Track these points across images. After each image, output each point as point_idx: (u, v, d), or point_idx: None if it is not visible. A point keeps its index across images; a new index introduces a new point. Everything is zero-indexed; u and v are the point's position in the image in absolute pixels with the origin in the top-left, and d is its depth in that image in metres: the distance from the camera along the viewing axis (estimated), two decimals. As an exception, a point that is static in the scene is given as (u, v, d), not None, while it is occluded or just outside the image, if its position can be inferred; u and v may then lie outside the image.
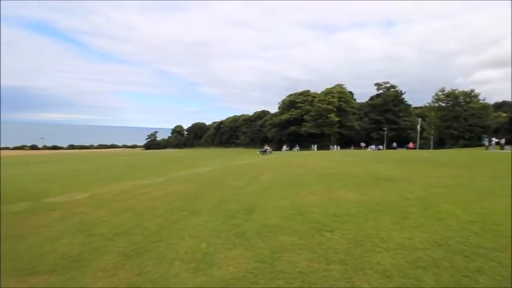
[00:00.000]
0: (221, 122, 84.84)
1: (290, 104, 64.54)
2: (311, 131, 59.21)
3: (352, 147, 54.08)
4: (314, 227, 4.29)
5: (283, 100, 68.07)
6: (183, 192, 7.75)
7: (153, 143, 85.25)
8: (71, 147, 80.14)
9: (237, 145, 75.75)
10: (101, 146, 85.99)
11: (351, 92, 68.08)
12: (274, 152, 35.18)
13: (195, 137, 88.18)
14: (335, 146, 54.76)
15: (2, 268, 3.25)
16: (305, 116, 60.76)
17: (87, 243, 4.00)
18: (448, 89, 48.60)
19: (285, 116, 63.24)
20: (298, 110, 62.22)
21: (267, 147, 33.38)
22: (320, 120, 58.80)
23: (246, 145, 72.74)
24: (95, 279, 2.89)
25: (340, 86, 66.75)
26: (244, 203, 5.99)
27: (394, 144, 47.53)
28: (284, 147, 51.03)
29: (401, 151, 34.47)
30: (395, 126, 58.93)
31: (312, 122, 59.56)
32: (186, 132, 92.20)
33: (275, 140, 63.40)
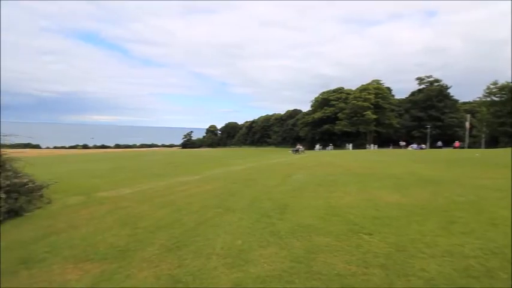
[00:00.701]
0: (253, 122, 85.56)
1: (323, 102, 62.92)
2: (345, 129, 57.13)
3: (391, 146, 51.13)
4: (351, 229, 4.16)
5: (315, 98, 66.60)
6: (217, 189, 7.97)
7: (188, 142, 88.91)
8: (117, 146, 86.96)
9: (268, 144, 75.83)
10: (142, 145, 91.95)
11: (388, 88, 64.37)
12: (306, 151, 34.62)
13: (228, 136, 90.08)
14: (372, 145, 52.19)
15: (61, 255, 3.63)
16: (339, 114, 58.81)
17: (132, 235, 4.30)
18: (501, 82, 43.62)
19: (317, 115, 61.82)
20: (331, 108, 60.43)
21: (299, 146, 32.94)
22: (355, 118, 56.46)
23: (278, 144, 72.48)
24: (140, 269, 3.10)
25: (376, 81, 63.39)
26: (277, 202, 5.99)
27: (439, 143, 43.93)
28: (317, 146, 49.91)
29: (447, 150, 31.76)
30: (440, 123, 54.48)
31: (346, 120, 57.45)
32: (219, 132, 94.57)
33: (308, 139, 62.31)
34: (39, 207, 6.53)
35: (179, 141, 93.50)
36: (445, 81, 58.74)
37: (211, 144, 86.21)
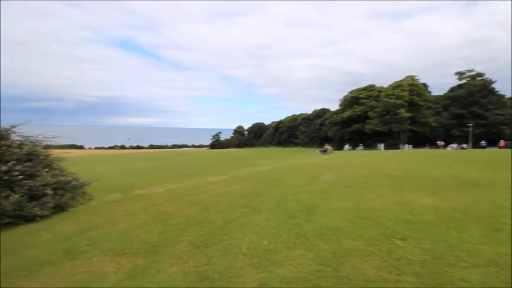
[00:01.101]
0: (280, 122, 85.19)
1: (352, 100, 60.80)
2: (377, 128, 54.64)
3: (427, 146, 47.98)
4: (383, 233, 3.97)
5: (344, 97, 64.57)
6: (245, 189, 8.05)
7: (217, 143, 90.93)
8: (151, 146, 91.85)
9: (295, 144, 75.00)
10: (174, 146, 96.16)
11: (424, 84, 60.44)
12: (335, 152, 33.71)
13: (255, 136, 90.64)
14: (406, 145, 49.38)
15: (100, 248, 3.89)
16: (370, 113, 56.41)
17: (164, 232, 4.49)
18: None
19: (347, 114, 59.88)
20: (361, 107, 58.18)
21: (327, 146, 32.15)
22: (387, 116, 53.75)
23: (305, 144, 71.40)
24: (170, 265, 3.23)
25: (411, 77, 59.80)
26: (304, 203, 5.90)
27: (483, 143, 40.33)
28: (346, 146, 48.37)
29: (492, 150, 29.06)
30: (484, 121, 50.04)
31: (377, 119, 54.92)
32: (246, 132, 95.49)
33: (336, 139, 60.63)
34: (81, 203, 7.07)
35: (208, 142, 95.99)
36: (489, 75, 53.88)
37: (239, 145, 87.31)
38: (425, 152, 31.12)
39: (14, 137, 7.13)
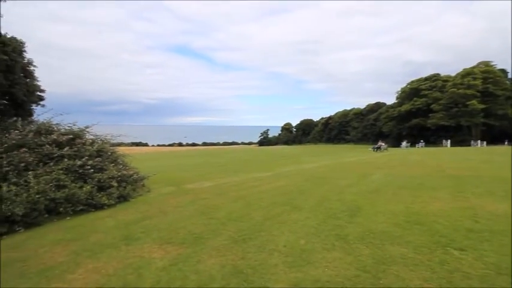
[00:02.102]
0: (329, 118, 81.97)
1: (412, 92, 55.16)
2: (442, 123, 48.58)
3: (507, 143, 41.03)
4: (436, 241, 3.57)
5: (402, 89, 58.97)
6: (288, 187, 8.02)
7: (265, 140, 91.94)
8: (204, 144, 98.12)
9: (346, 141, 71.43)
10: (225, 143, 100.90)
11: (503, 71, 51.53)
12: (390, 149, 31.14)
13: (303, 133, 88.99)
14: (478, 142, 42.95)
15: (151, 236, 4.31)
16: (433, 106, 50.44)
17: (207, 224, 4.76)
18: None
19: (405, 107, 54.62)
20: (423, 99, 52.40)
21: (381, 143, 29.80)
22: (455, 109, 47.34)
23: (357, 141, 67.48)
24: (209, 256, 3.41)
25: (485, 64, 51.44)
26: (348, 203, 5.62)
27: None
28: (404, 143, 44.22)
29: None
30: None
31: (443, 112, 48.79)
32: (294, 129, 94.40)
33: (392, 135, 55.89)
34: (141, 195, 7.90)
35: (256, 139, 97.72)
36: None
37: (287, 142, 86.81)
38: (502, 149, 26.59)
39: (88, 136, 8.32)
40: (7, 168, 5.68)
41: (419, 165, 12.28)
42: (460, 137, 46.46)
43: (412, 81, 57.26)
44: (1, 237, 4.63)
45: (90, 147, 7.53)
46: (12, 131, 6.63)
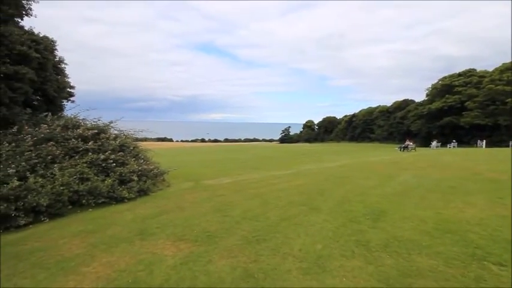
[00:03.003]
0: (353, 115, 79.38)
1: (444, 88, 51.74)
2: (477, 121, 45.15)
3: (554, 145, 37.29)
4: (471, 254, 3.19)
5: (433, 85, 55.50)
6: (307, 186, 7.76)
7: (286, 137, 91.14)
8: (226, 140, 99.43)
9: (371, 140, 68.89)
10: (246, 140, 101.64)
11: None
12: (418, 149, 29.46)
13: (326, 131, 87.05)
14: (520, 143, 39.45)
15: (166, 232, 4.29)
16: (467, 103, 46.98)
17: (221, 222, 4.67)
18: None
19: (436, 105, 51.41)
20: (456, 96, 48.97)
21: (408, 142, 28.21)
22: (492, 107, 43.70)
23: (383, 140, 64.82)
24: (221, 257, 3.31)
25: (531, 57, 46.91)
26: (371, 206, 5.28)
27: None
28: (434, 142, 41.68)
29: None
30: None
31: (478, 110, 45.29)
32: (316, 127, 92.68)
33: (421, 134, 52.94)
34: (161, 189, 8.02)
35: (278, 136, 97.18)
36: None
37: (308, 139, 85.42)
38: (550, 152, 24.17)
39: (113, 131, 8.59)
40: (35, 161, 5.95)
41: (452, 166, 11.41)
42: (497, 137, 42.96)
43: (444, 77, 53.70)
44: (26, 227, 4.85)
45: (113, 142, 7.74)
46: (41, 125, 6.95)
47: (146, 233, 4.30)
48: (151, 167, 8.42)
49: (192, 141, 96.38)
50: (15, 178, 5.17)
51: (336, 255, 3.22)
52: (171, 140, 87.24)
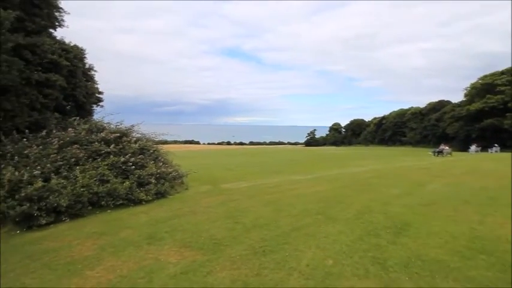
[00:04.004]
0: (383, 118, 75.87)
1: (485, 88, 47.53)
2: (525, 124, 40.93)
3: None
4: (510, 280, 2.72)
5: (472, 84, 51.26)
6: (326, 192, 7.39)
7: (312, 141, 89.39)
8: (251, 143, 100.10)
9: (402, 143, 65.30)
10: (271, 143, 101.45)
11: None
12: (454, 153, 27.24)
13: (353, 134, 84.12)
14: None
15: (174, 237, 4.23)
16: (511, 104, 42.83)
17: (231, 230, 4.52)
18: None
19: (475, 106, 47.37)
20: (498, 96, 44.72)
21: (443, 146, 26.14)
22: (544, 108, 39.44)
23: (415, 144, 61.12)
24: (222, 268, 3.15)
25: None
26: (394, 218, 4.83)
27: None
28: (473, 147, 38.34)
29: None
30: None
31: (526, 111, 41.07)
32: (343, 130, 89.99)
33: (459, 138, 49.06)
34: (178, 192, 8.08)
35: (303, 139, 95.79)
36: None
37: (335, 143, 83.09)
38: None
39: (136, 135, 8.85)
40: (60, 163, 6.26)
41: (492, 174, 10.31)
42: (551, 141, 38.55)
43: (485, 76, 49.38)
44: (48, 227, 5.06)
45: (134, 145, 7.95)
46: (68, 129, 7.33)
47: (155, 237, 4.28)
48: (170, 170, 8.52)
49: (218, 143, 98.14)
50: (40, 179, 5.45)
51: (347, 274, 2.92)
52: (198, 143, 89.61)
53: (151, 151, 8.60)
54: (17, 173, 5.42)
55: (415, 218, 4.80)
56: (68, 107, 9.71)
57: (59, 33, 9.12)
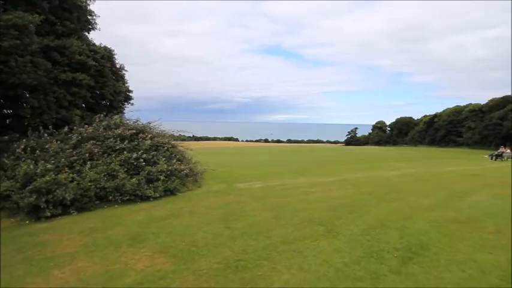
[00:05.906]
0: (435, 115, 68.60)
1: None
2: None
3: None
4: None
5: (552, 78, 43.56)
6: (343, 199, 6.65)
7: (352, 139, 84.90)
8: (289, 141, 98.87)
9: (458, 144, 58.41)
10: (309, 141, 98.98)
11: None
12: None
13: (399, 133, 77.66)
14: None
15: (156, 240, 4.06)
16: None
17: (217, 236, 4.19)
18: None
19: (554, 103, 40.20)
20: None
21: (503, 149, 22.38)
22: None
23: (474, 145, 54.18)
24: (182, 282, 2.84)
25: None
26: (410, 237, 4.02)
27: None
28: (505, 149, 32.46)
29: None
30: None
31: None
32: (388, 129, 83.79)
33: (529, 140, 42.14)
34: (190, 190, 8.01)
35: (343, 138, 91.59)
36: None
37: (379, 142, 77.65)
38: None
39: (153, 132, 9.02)
40: (75, 158, 6.56)
41: None
42: None
43: None
44: (54, 218, 5.27)
45: (149, 142, 8.07)
46: (88, 125, 7.69)
47: (139, 238, 4.15)
48: (183, 167, 8.45)
49: (256, 141, 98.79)
50: (52, 173, 5.73)
51: (319, 308, 2.38)
52: (236, 140, 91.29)
53: (165, 148, 8.66)
54: (32, 166, 5.79)
55: (438, 239, 3.94)
56: (96, 105, 10.28)
57: (100, 37, 9.69)
